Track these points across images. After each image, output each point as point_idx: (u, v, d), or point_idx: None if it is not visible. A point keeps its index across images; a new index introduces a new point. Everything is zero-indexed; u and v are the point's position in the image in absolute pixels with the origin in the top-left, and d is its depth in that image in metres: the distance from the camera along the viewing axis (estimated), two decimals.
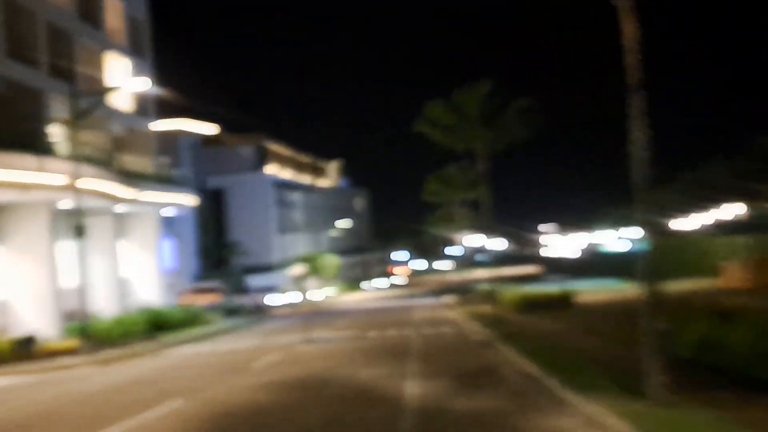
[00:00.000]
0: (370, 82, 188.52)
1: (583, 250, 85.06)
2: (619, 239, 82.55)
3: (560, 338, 16.94)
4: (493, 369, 13.07)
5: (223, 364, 17.34)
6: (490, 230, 26.96)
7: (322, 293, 56.30)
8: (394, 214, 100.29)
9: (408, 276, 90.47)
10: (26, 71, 27.02)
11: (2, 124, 25.25)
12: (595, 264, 59.73)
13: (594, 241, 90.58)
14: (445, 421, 8.90)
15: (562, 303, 26.89)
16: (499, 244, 44.87)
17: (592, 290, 33.11)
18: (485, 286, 35.94)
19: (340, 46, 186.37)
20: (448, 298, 41.67)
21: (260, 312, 38.83)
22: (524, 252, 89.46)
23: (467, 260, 49.09)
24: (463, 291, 40.55)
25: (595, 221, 79.45)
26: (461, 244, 48.43)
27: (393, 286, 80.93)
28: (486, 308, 29.35)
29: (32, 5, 27.78)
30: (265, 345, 21.47)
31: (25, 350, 19.67)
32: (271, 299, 42.72)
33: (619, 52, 8.57)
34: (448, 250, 68.85)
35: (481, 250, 52.00)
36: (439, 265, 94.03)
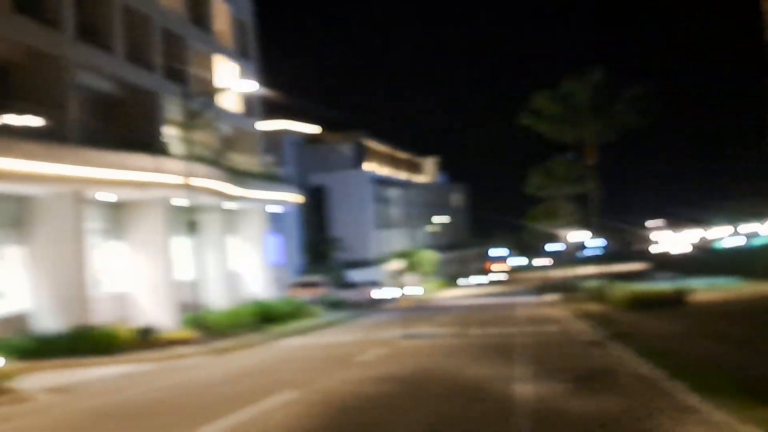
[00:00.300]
0: (469, 74, 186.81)
1: (694, 247, 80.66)
2: (736, 235, 77.70)
3: (677, 339, 16.07)
4: (608, 370, 12.54)
5: (330, 356, 17.64)
6: (596, 225, 25.97)
7: (419, 289, 56.35)
8: (493, 209, 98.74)
9: (507, 273, 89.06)
10: (143, 74, 28.58)
11: (121, 125, 26.85)
12: (708, 261, 56.52)
13: (707, 237, 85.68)
14: (563, 423, 8.58)
15: (675, 302, 25.61)
16: (604, 239, 43.26)
17: (706, 288, 31.37)
18: (591, 284, 34.76)
19: (437, 40, 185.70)
20: (551, 296, 40.64)
21: (361, 306, 39.34)
22: (631, 248, 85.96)
23: (570, 257, 47.62)
24: (567, 288, 39.40)
25: (709, 216, 75.12)
26: (564, 239, 47.08)
27: (492, 282, 79.92)
28: (592, 306, 28.38)
29: (148, 11, 29.34)
30: (368, 339, 21.68)
31: (145, 339, 20.80)
32: (375, 294, 43.15)
33: (744, 32, 7.91)
34: (550, 247, 67.12)
35: (585, 246, 50.26)
36: (540, 261, 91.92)
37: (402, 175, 74.62)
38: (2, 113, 20.79)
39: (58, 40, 23.55)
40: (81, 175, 21.07)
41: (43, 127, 21.34)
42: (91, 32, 25.89)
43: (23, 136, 19.96)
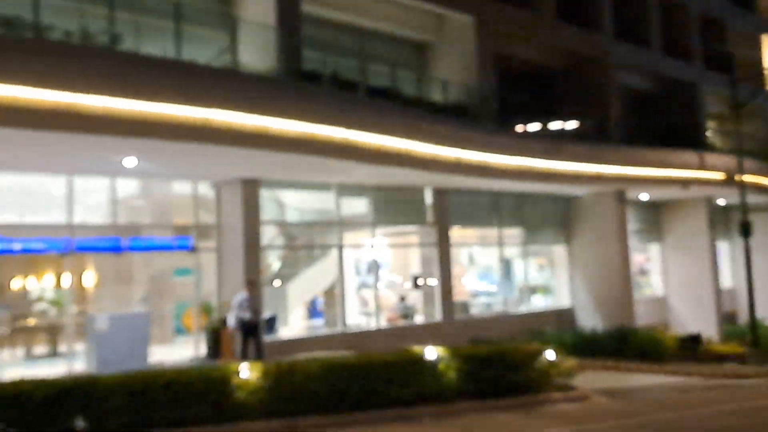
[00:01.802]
0: None
1: None
2: None
3: None
4: None
5: None
6: None
7: None
8: None
9: None
10: (679, 66, 26.92)
11: (657, 121, 25.75)
12: None
13: None
14: None
15: None
16: None
17: None
18: None
19: None
20: None
21: None
22: None
23: None
24: None
25: None
26: None
27: None
28: None
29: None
30: None
31: (689, 349, 19.24)
32: None
33: None
34: None
35: None
36: None
37: None
38: (550, 119, 22.02)
39: (598, 42, 23.85)
40: (622, 173, 20.78)
41: (585, 128, 21.83)
42: (627, 29, 25.54)
43: (568, 138, 20.72)
